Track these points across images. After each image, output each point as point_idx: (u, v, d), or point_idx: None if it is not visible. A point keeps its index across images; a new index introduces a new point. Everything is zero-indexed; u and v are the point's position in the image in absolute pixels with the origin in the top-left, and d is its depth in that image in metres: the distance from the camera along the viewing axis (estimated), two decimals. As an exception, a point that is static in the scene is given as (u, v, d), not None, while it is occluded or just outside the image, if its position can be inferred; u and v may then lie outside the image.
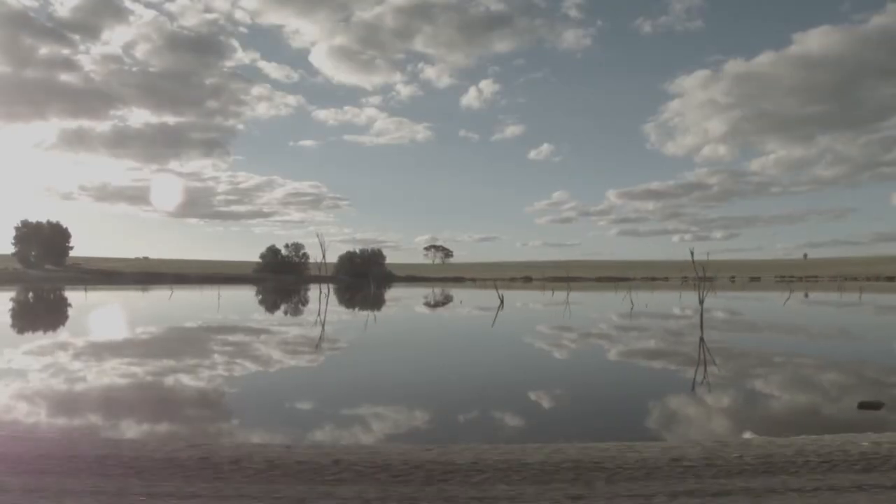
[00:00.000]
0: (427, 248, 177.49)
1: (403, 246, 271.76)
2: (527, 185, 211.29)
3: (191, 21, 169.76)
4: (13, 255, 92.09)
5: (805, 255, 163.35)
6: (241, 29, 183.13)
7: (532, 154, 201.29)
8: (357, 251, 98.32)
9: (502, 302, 28.35)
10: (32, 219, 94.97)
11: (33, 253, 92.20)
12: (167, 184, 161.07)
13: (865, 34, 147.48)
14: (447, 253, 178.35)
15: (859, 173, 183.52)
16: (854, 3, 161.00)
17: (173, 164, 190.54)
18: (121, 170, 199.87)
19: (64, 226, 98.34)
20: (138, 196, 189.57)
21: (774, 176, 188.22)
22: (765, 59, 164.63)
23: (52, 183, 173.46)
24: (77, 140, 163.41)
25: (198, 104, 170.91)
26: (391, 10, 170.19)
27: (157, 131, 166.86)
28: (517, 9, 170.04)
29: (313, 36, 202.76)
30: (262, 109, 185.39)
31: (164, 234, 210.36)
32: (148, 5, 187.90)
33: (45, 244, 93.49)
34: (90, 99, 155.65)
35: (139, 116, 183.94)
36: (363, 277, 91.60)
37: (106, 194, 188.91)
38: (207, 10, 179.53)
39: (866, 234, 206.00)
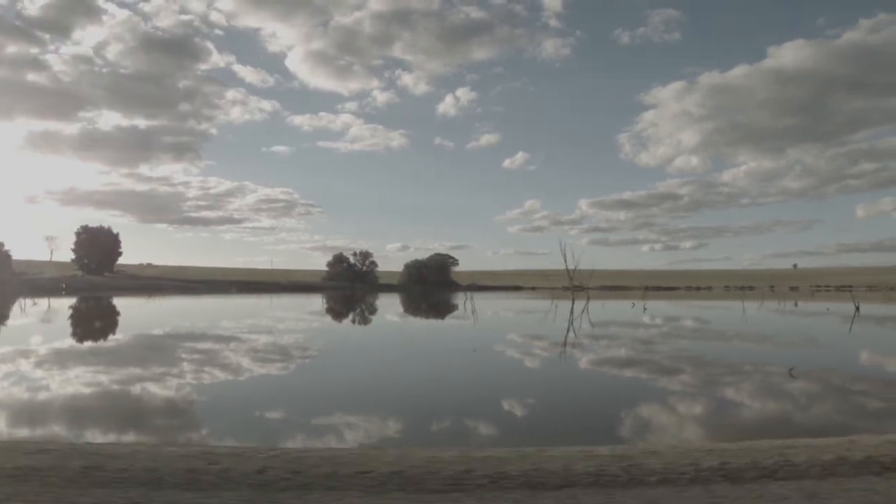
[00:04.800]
0: (437, 255, 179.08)
1: (376, 254, 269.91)
2: (500, 193, 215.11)
3: (165, 22, 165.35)
4: (72, 261, 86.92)
5: (795, 266, 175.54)
6: (217, 31, 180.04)
7: (506, 162, 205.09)
8: (425, 259, 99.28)
9: (858, 309, 31.27)
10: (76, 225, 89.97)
11: (88, 260, 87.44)
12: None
13: (837, 49, 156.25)
14: (453, 262, 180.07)
15: (826, 185, 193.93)
16: (828, 19, 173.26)
17: (143, 169, 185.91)
18: (89, 173, 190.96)
19: (115, 231, 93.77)
20: (106, 201, 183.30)
21: (744, 187, 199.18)
22: (739, 72, 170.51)
23: (16, 185, 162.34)
24: (44, 142, 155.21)
25: (170, 107, 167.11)
26: (370, 16, 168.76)
27: (128, 134, 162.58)
28: (497, 17, 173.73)
29: (290, 40, 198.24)
30: (236, 114, 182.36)
31: (134, 240, 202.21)
32: (121, 5, 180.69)
33: (101, 250, 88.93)
34: (59, 100, 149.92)
35: (109, 119, 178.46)
36: (432, 286, 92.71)
37: (73, 198, 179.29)
38: (183, 11, 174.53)
39: (831, 246, 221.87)
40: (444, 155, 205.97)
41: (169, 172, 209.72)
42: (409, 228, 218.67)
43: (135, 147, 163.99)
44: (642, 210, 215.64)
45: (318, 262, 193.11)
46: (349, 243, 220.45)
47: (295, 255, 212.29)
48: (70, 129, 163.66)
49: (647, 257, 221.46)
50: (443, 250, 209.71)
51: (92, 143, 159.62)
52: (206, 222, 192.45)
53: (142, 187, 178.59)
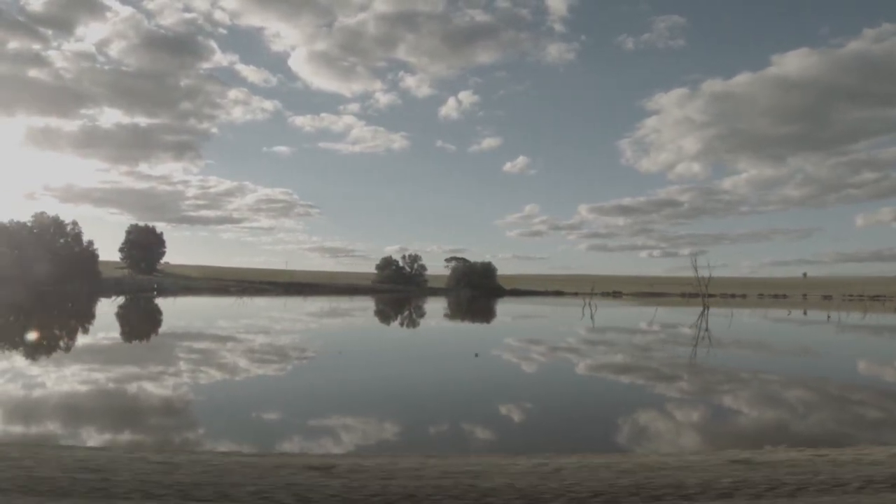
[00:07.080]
0: (448, 260, 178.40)
1: (372, 256, 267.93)
2: (500, 197, 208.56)
3: (169, 20, 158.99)
4: (122, 260, 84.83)
5: (805, 274, 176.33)
6: (221, 30, 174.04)
7: (507, 166, 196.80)
8: (468, 261, 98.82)
9: None
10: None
11: (138, 259, 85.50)
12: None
13: (841, 58, 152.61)
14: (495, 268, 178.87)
15: (826, 194, 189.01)
16: (832, 28, 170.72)
17: (143, 167, 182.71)
18: (88, 171, 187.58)
19: (158, 231, 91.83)
20: (105, 198, 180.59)
21: (744, 195, 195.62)
22: (742, 80, 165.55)
23: (14, 182, 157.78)
24: (44, 138, 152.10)
25: (171, 106, 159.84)
26: (375, 18, 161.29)
27: (128, 132, 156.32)
28: (503, 21, 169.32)
29: (294, 40, 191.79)
30: (238, 113, 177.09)
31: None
32: (125, 2, 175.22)
33: (149, 250, 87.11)
34: (60, 96, 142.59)
35: (110, 116, 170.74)
36: (478, 290, 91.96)
37: (71, 195, 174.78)
38: (187, 9, 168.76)
39: (829, 255, 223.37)
40: (445, 158, 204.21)
41: (169, 171, 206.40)
42: (408, 231, 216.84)
43: (135, 145, 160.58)
44: (641, 216, 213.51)
45: (319, 264, 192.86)
46: (347, 245, 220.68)
47: (292, 256, 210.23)
48: (70, 125, 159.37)
49: (645, 263, 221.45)
50: (441, 253, 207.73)
51: (92, 141, 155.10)
52: (204, 221, 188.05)
53: (141, 185, 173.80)
